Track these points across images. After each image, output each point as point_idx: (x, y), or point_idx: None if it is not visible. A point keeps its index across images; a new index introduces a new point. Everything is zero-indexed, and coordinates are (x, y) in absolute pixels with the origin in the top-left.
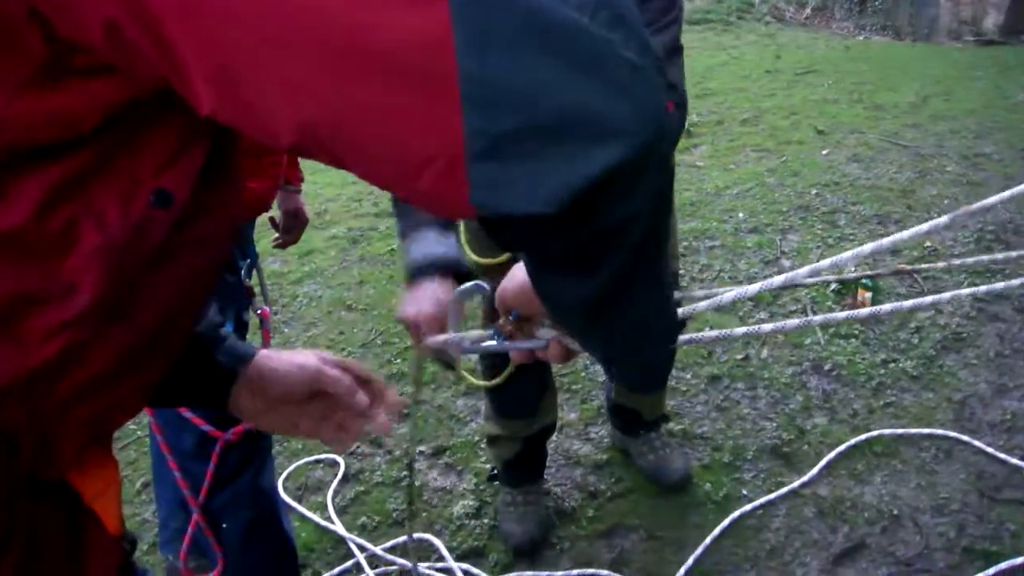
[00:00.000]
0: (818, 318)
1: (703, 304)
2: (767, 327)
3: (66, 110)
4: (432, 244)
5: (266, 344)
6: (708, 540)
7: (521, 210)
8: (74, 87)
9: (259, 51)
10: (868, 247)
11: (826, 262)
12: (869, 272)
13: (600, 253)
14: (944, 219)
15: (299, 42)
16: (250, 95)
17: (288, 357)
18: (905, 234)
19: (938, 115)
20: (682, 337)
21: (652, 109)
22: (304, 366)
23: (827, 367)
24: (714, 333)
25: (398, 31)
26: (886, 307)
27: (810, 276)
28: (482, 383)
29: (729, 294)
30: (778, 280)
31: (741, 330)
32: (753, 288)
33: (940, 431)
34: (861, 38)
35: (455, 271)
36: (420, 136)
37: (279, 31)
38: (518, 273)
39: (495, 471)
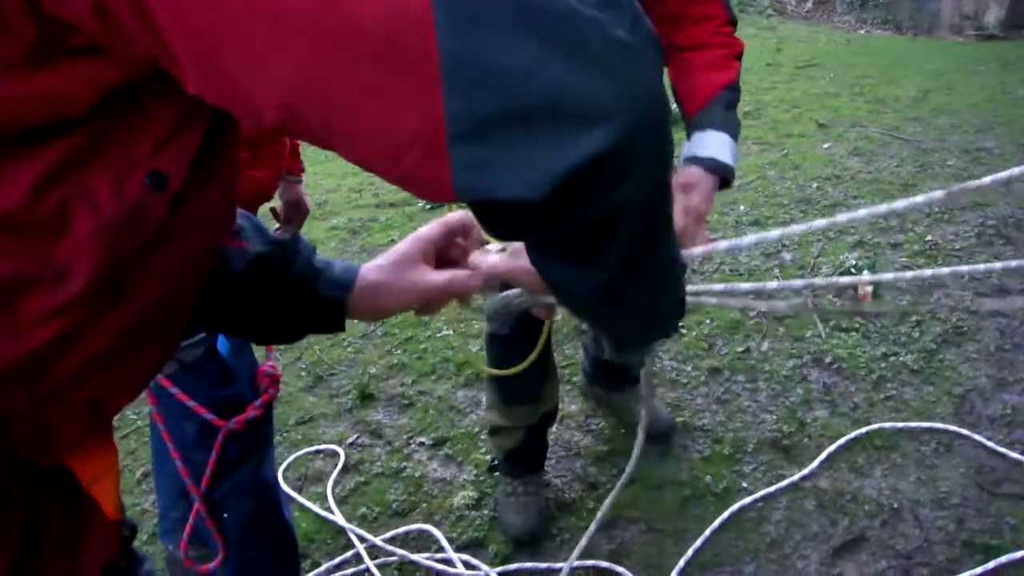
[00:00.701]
0: (821, 281)
1: (698, 251)
2: (772, 284)
3: (59, 91)
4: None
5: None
6: (708, 532)
7: (505, 195)
8: (66, 68)
9: (240, 29)
10: (862, 212)
11: (822, 221)
12: (868, 259)
13: (600, 241)
14: (939, 193)
15: (278, 19)
16: (233, 74)
17: (392, 278)
18: (901, 204)
19: (939, 109)
20: (689, 288)
21: (642, 90)
22: (414, 288)
23: (828, 360)
24: (720, 287)
25: (377, 7)
26: (888, 275)
27: (805, 231)
28: (495, 371)
29: (723, 243)
30: (775, 234)
31: (747, 285)
32: (749, 239)
33: (940, 425)
34: (862, 32)
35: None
36: (401, 115)
37: (259, 8)
38: (519, 255)
39: (495, 462)
